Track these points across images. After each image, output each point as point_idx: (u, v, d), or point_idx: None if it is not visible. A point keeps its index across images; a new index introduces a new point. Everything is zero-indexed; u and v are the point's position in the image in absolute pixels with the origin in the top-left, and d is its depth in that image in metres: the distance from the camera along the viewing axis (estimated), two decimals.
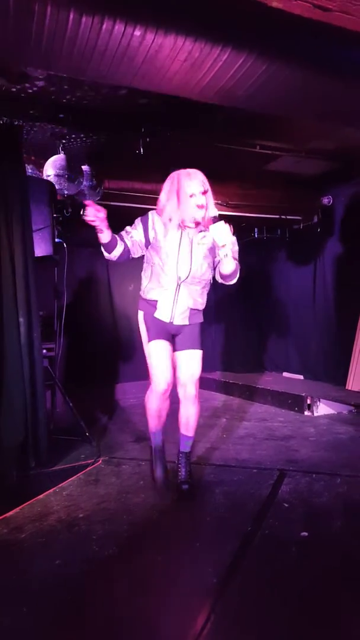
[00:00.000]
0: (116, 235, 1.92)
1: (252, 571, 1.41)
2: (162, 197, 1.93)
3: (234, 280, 1.97)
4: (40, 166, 3.13)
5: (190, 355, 1.97)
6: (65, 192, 3.10)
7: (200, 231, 1.92)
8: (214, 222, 1.80)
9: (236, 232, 1.87)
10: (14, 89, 2.47)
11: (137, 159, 3.05)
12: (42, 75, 2.32)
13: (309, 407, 3.50)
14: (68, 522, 1.73)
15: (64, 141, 3.07)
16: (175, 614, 1.23)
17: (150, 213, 1.96)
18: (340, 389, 3.77)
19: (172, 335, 1.98)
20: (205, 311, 2.07)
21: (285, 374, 4.81)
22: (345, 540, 1.58)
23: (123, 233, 1.95)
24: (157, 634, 1.17)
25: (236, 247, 1.92)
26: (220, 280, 2.01)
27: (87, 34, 1.66)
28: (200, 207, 1.85)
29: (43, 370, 2.42)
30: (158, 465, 2.03)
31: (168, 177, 1.93)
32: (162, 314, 1.93)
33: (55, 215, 2.78)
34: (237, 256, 1.91)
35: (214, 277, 2.03)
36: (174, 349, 2.00)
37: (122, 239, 1.93)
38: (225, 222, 1.80)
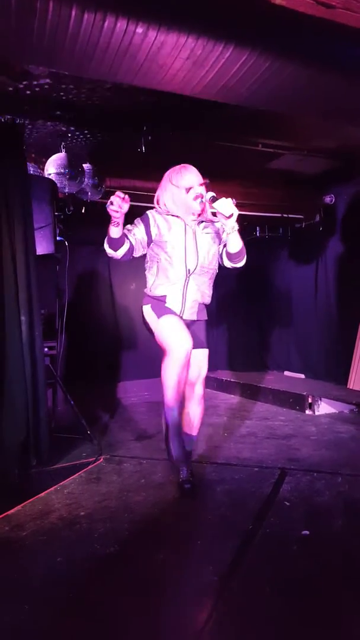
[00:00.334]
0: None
1: (253, 570, 1.41)
2: (161, 194, 1.95)
3: (243, 262, 1.96)
4: (41, 164, 3.13)
5: (198, 353, 1.96)
6: (67, 190, 3.10)
7: (201, 222, 1.94)
8: (213, 201, 1.81)
9: (239, 230, 1.88)
10: (16, 87, 2.47)
11: (138, 157, 3.04)
12: (44, 73, 2.32)
13: (310, 406, 3.50)
14: (69, 520, 1.74)
15: (65, 139, 3.06)
16: (176, 612, 1.23)
17: (148, 212, 1.96)
18: (342, 388, 3.77)
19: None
20: (207, 309, 2.07)
21: (286, 373, 4.80)
22: (346, 539, 1.58)
23: (125, 231, 1.94)
24: (159, 632, 1.17)
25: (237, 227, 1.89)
26: (229, 264, 1.99)
27: (89, 31, 1.66)
28: (200, 197, 1.87)
29: (44, 369, 2.42)
30: (176, 442, 1.88)
31: (164, 175, 1.95)
32: (172, 308, 1.92)
33: (56, 213, 2.78)
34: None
35: (220, 267, 2.02)
36: None
37: (126, 237, 1.91)
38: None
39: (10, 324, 2.27)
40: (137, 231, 1.93)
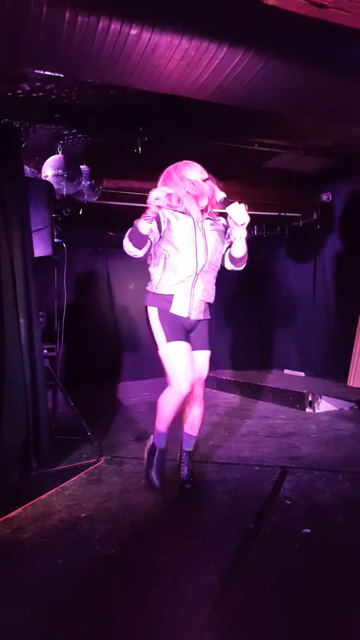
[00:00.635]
0: None
1: (255, 568, 1.42)
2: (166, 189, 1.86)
3: (243, 265, 1.95)
4: (38, 166, 3.13)
5: (201, 355, 1.95)
6: (64, 192, 3.10)
7: (207, 219, 1.90)
8: (226, 204, 1.76)
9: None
10: (12, 90, 2.47)
11: (135, 158, 3.05)
12: (39, 75, 2.32)
13: (311, 404, 3.50)
14: (70, 522, 1.74)
15: (62, 141, 3.06)
16: (177, 612, 1.23)
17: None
18: (342, 386, 3.77)
19: (187, 331, 1.92)
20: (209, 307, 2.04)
21: (286, 371, 4.81)
22: (347, 537, 1.59)
23: None
24: (160, 632, 1.18)
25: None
26: (229, 266, 1.97)
27: (83, 34, 1.66)
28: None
29: (44, 371, 2.43)
30: (158, 470, 1.94)
31: (165, 172, 1.90)
32: (179, 308, 1.86)
33: (54, 215, 2.78)
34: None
35: (222, 266, 1.99)
36: None
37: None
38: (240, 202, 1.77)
39: (9, 326, 2.28)
40: (153, 227, 1.83)
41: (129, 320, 4.73)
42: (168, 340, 1.84)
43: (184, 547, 1.56)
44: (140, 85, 2.01)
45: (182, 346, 1.84)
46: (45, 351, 2.65)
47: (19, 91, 2.47)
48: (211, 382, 4.56)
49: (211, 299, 1.97)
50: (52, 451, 2.41)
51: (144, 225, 1.72)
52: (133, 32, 1.67)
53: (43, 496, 1.98)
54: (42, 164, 3.07)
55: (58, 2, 1.55)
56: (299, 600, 1.25)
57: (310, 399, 3.51)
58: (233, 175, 3.70)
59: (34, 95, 2.53)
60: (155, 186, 1.89)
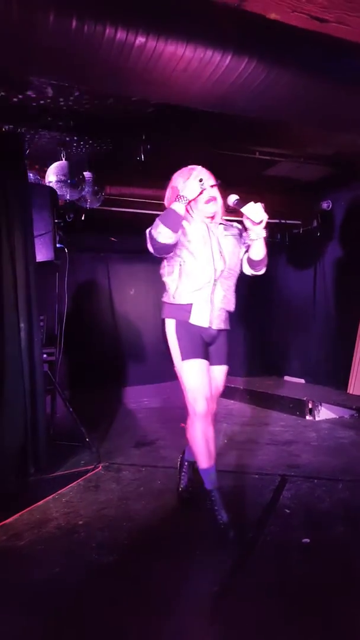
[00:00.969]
0: None
1: (254, 578, 1.40)
2: (173, 195, 1.77)
3: (264, 269, 1.85)
4: (42, 172, 3.16)
5: (219, 371, 1.84)
6: (67, 197, 3.12)
7: (220, 224, 1.82)
8: (241, 205, 1.68)
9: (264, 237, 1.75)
10: (16, 98, 2.50)
11: (138, 166, 3.07)
12: (44, 83, 2.35)
13: (311, 412, 3.49)
14: (67, 529, 1.72)
15: (66, 148, 3.09)
16: (175, 621, 1.22)
17: None
18: (342, 393, 3.76)
19: (206, 344, 1.80)
20: None
21: (286, 378, 4.79)
22: (346, 547, 1.57)
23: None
24: None
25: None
26: (249, 272, 1.87)
27: (89, 42, 1.68)
28: (212, 199, 1.76)
29: (43, 376, 2.42)
30: (222, 509, 1.67)
31: (172, 179, 1.84)
32: (200, 318, 1.74)
33: (56, 220, 2.79)
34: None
35: (240, 272, 1.89)
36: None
37: None
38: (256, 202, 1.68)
39: (10, 330, 2.28)
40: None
41: (129, 325, 4.73)
42: (184, 358, 1.72)
43: (183, 556, 1.55)
44: (143, 94, 2.03)
45: (198, 365, 1.72)
46: (44, 356, 2.64)
47: (24, 97, 2.50)
48: None
49: (232, 307, 1.85)
50: (50, 457, 2.39)
51: (178, 205, 1.65)
52: (137, 42, 1.69)
53: (40, 502, 1.96)
54: (46, 170, 3.10)
55: (65, 11, 1.57)
56: (299, 609, 1.24)
57: (310, 406, 3.49)
58: (234, 183, 3.72)
59: (39, 102, 2.55)
60: (157, 194, 1.86)
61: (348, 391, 3.76)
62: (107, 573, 1.44)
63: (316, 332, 4.38)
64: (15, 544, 1.61)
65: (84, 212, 3.54)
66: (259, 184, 3.86)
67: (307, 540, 1.60)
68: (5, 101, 2.52)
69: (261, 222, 1.67)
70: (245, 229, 1.77)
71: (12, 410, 2.25)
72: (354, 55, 1.84)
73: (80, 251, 3.78)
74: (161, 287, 1.88)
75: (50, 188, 2.92)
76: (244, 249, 1.85)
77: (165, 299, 1.81)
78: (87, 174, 3.24)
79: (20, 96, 2.48)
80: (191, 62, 1.80)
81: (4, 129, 2.70)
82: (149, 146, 2.96)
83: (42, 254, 2.65)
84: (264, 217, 1.67)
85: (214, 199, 1.77)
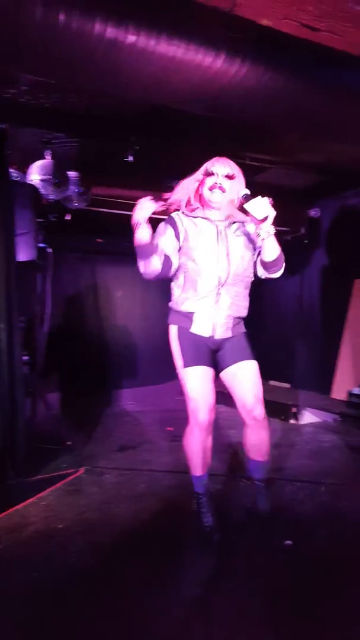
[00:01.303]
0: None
1: (237, 581, 1.39)
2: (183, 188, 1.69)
3: (280, 271, 1.69)
4: (24, 170, 3.10)
5: (245, 368, 1.73)
6: (51, 197, 3.07)
7: (233, 222, 1.67)
8: (247, 200, 1.52)
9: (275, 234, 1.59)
10: (1, 93, 2.45)
11: (126, 167, 3.06)
12: (29, 79, 2.32)
13: (295, 416, 3.51)
14: (46, 533, 1.68)
15: (50, 146, 3.05)
16: (156, 626, 1.19)
17: (174, 214, 1.70)
18: (326, 397, 3.79)
19: (212, 351, 1.72)
20: None
21: (271, 382, 4.82)
22: (329, 549, 1.57)
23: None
24: None
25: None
26: (264, 275, 1.71)
27: (78, 41, 1.67)
28: (215, 187, 1.59)
29: (23, 378, 2.36)
30: (208, 512, 1.68)
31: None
32: (201, 328, 1.66)
33: (39, 219, 2.75)
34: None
35: (255, 275, 1.76)
36: (219, 368, 1.74)
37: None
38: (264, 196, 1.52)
39: None
40: (166, 241, 1.64)
41: (115, 328, 4.69)
42: (185, 365, 1.66)
43: (165, 560, 1.52)
44: (133, 94, 2.02)
45: (200, 372, 1.65)
46: (26, 357, 2.59)
47: (6, 93, 2.46)
48: None
49: (243, 313, 1.74)
50: (31, 461, 2.34)
51: (138, 234, 1.57)
52: (127, 41, 1.69)
53: (19, 506, 1.92)
54: (29, 167, 3.04)
55: (53, 4, 1.55)
56: (282, 612, 1.23)
57: (294, 410, 3.52)
58: None
59: (23, 98, 2.52)
60: (146, 195, 1.76)
61: (331, 396, 3.80)
62: (87, 577, 1.41)
63: (302, 338, 4.42)
64: None
65: (70, 212, 3.50)
66: (249, 190, 3.88)
67: (290, 542, 1.60)
68: None
69: (265, 218, 1.51)
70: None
71: None
72: (345, 64, 1.87)
73: (66, 251, 3.74)
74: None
75: (32, 186, 2.87)
76: (257, 253, 1.69)
77: (170, 304, 1.75)
78: (71, 174, 3.20)
79: (3, 91, 2.44)
80: (182, 65, 1.80)
81: None
82: (137, 147, 2.95)
83: (24, 253, 2.60)
84: (269, 213, 1.50)
85: (217, 186, 1.60)
